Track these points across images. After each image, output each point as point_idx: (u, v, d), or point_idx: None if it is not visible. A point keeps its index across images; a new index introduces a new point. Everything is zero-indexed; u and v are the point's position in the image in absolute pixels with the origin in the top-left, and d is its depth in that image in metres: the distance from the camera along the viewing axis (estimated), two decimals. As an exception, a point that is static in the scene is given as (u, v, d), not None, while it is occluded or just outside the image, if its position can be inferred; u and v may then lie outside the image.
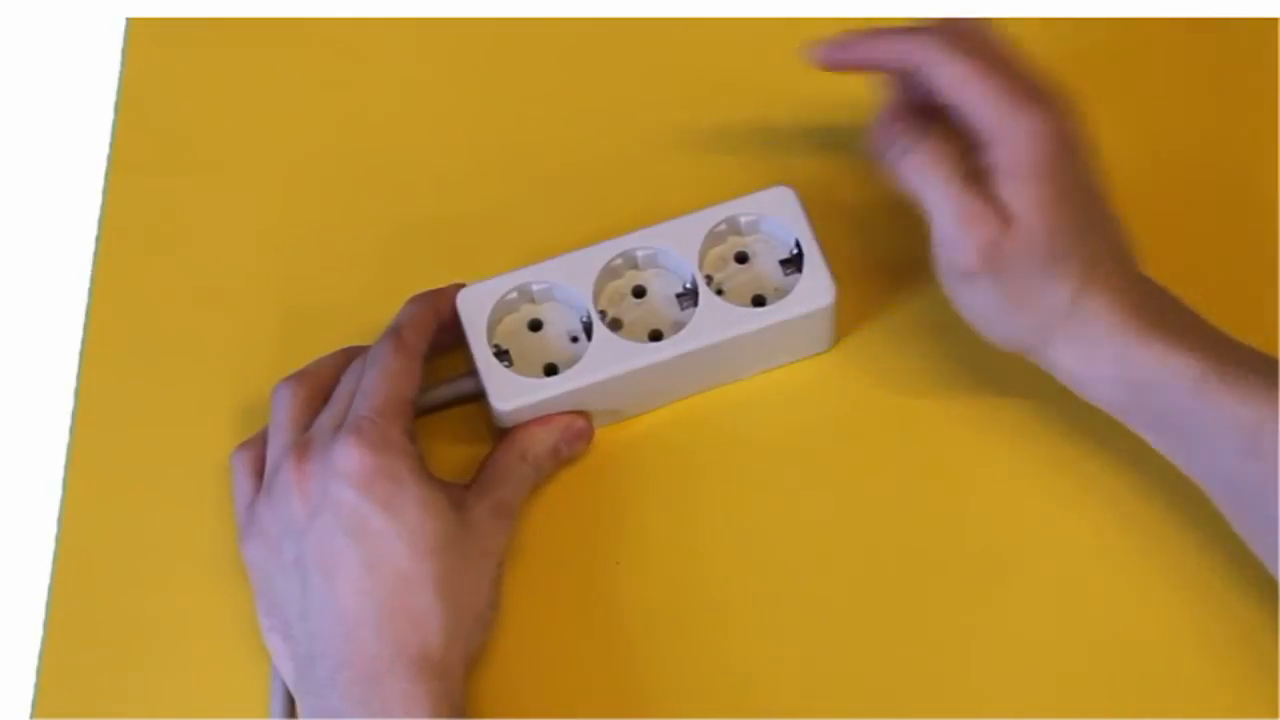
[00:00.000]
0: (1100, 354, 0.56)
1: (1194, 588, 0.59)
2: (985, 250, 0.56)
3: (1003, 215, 0.56)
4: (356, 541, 0.55)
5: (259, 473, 0.60)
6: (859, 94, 0.68)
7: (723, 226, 0.62)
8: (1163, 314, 0.56)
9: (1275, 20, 0.69)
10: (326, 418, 0.59)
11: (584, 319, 0.61)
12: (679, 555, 0.61)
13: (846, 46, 0.59)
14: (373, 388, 0.58)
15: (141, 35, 0.72)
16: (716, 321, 0.61)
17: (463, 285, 0.62)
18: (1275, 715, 0.57)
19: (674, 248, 0.62)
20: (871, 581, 0.61)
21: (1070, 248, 0.56)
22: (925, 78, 0.57)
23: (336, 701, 0.55)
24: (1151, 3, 0.69)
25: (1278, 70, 0.68)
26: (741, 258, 0.63)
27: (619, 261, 0.62)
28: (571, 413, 0.61)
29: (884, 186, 0.66)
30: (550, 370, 0.61)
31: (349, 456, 0.56)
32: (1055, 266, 0.56)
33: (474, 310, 0.61)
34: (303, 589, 0.56)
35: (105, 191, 0.69)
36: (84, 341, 0.66)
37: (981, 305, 0.58)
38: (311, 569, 0.56)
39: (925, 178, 0.57)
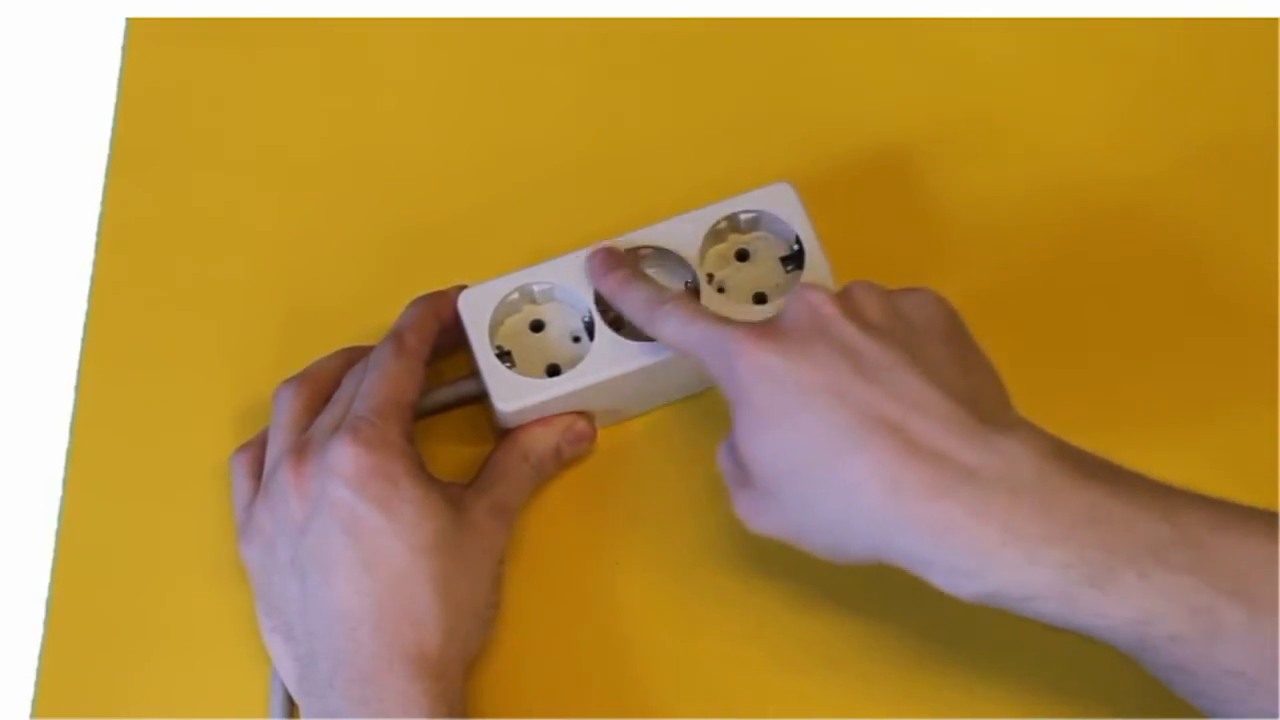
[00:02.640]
0: (936, 570, 0.50)
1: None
2: (747, 515, 0.54)
3: (744, 477, 0.53)
4: (354, 541, 0.55)
5: (258, 474, 0.60)
6: (859, 93, 0.68)
7: (723, 224, 0.62)
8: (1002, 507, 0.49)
9: (1275, 20, 0.69)
10: (326, 419, 0.59)
11: (586, 319, 0.61)
12: (678, 555, 0.61)
13: (608, 282, 0.59)
14: (372, 389, 0.58)
15: (141, 35, 0.72)
16: (718, 320, 0.61)
17: (464, 287, 0.62)
18: (1276, 716, 0.56)
19: (674, 246, 0.62)
20: (872, 580, 0.60)
21: (809, 459, 0.50)
22: (667, 344, 0.57)
23: (336, 702, 0.55)
24: (1152, 3, 0.69)
25: (1278, 70, 0.68)
26: (742, 255, 0.63)
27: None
28: (574, 413, 0.61)
29: (884, 182, 0.66)
30: (552, 371, 0.61)
31: (346, 456, 0.56)
32: (806, 486, 0.51)
33: (476, 312, 0.61)
34: (301, 589, 0.56)
35: (105, 191, 0.69)
36: (84, 341, 0.66)
37: (793, 541, 0.53)
38: (310, 569, 0.56)
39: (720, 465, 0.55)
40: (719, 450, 0.55)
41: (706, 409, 0.63)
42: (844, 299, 0.53)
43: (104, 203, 0.69)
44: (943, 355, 0.52)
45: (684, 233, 0.62)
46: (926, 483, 0.49)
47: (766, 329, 0.53)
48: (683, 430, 0.63)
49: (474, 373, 0.61)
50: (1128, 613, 0.48)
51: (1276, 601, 0.47)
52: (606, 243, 0.61)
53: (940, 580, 0.50)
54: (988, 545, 0.48)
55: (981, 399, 0.51)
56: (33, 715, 0.61)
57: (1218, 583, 0.47)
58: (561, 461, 0.62)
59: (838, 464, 0.50)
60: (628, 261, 0.60)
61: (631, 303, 0.58)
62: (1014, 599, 0.49)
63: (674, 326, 0.56)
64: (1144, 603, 0.48)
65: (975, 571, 0.49)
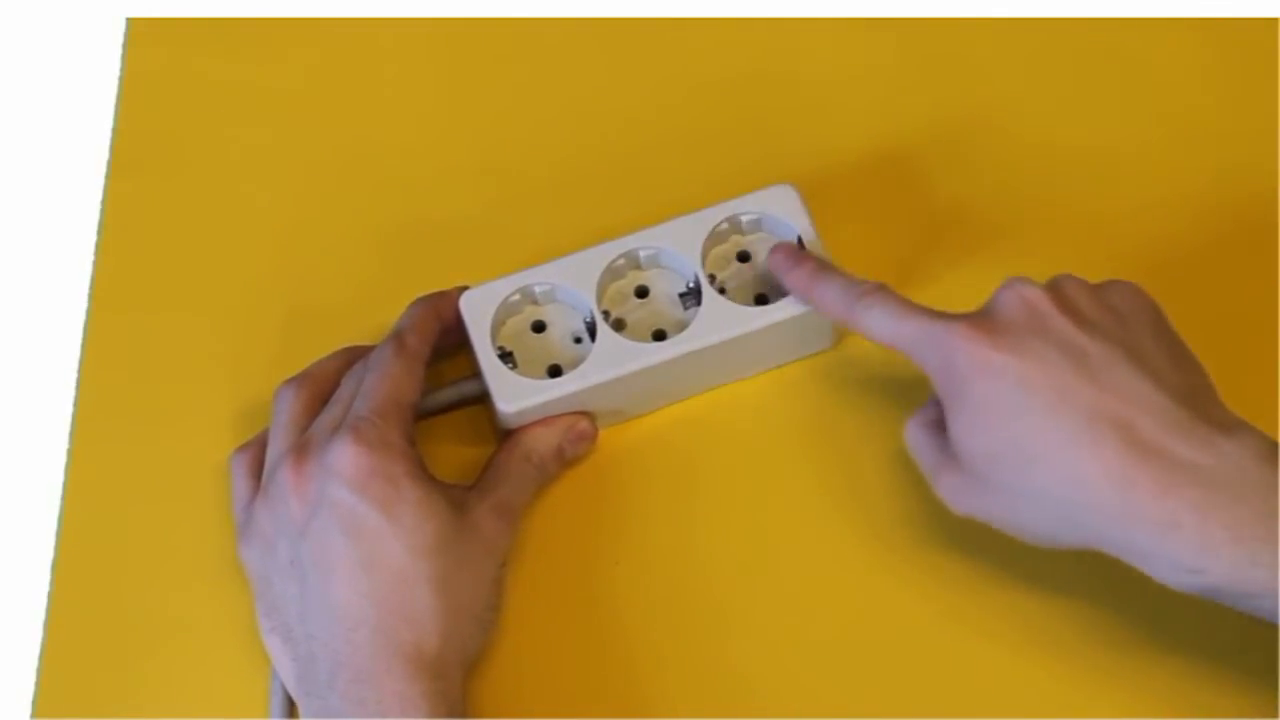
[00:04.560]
0: (1157, 562, 0.51)
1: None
2: (954, 497, 0.55)
3: (954, 459, 0.54)
4: (353, 541, 0.55)
5: (257, 474, 0.60)
6: (859, 93, 0.68)
7: (725, 225, 0.62)
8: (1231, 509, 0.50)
9: (1275, 20, 0.69)
10: (325, 419, 0.59)
11: (587, 320, 0.61)
12: (679, 556, 0.61)
13: (803, 289, 0.60)
14: (372, 389, 0.58)
15: (141, 35, 0.72)
16: (720, 321, 0.60)
17: (466, 288, 0.62)
18: (1275, 716, 0.56)
19: (676, 247, 0.62)
20: (874, 580, 0.61)
21: (1034, 453, 0.51)
22: (871, 338, 0.57)
23: (336, 702, 0.55)
24: (1152, 3, 0.69)
25: (1278, 70, 0.68)
26: (744, 256, 0.63)
27: (621, 262, 0.62)
28: (576, 414, 0.61)
29: (885, 183, 0.66)
30: (554, 371, 0.61)
31: (345, 457, 0.56)
32: (1029, 478, 0.52)
33: (477, 312, 0.61)
34: (301, 590, 0.56)
35: (105, 191, 0.69)
36: (84, 341, 0.66)
37: (1002, 525, 0.54)
38: (309, 569, 0.56)
39: (908, 441, 0.57)
40: (909, 430, 0.56)
41: (709, 408, 0.63)
42: (1056, 293, 0.54)
43: (104, 203, 0.69)
44: (1155, 350, 0.53)
45: (686, 234, 0.62)
46: (1154, 480, 0.50)
47: (984, 324, 0.53)
48: (684, 430, 0.63)
49: (475, 373, 0.61)
50: None
51: None
52: (622, 238, 0.61)
53: (1159, 572, 0.51)
54: (1211, 544, 0.49)
55: (1196, 395, 0.52)
56: (33, 715, 0.60)
57: None
58: (564, 462, 0.62)
59: (1065, 460, 0.51)
60: (808, 254, 0.60)
61: (827, 296, 0.58)
62: (1232, 595, 0.50)
63: (880, 320, 0.56)
64: None
65: (1197, 568, 0.50)
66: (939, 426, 0.55)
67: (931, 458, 0.56)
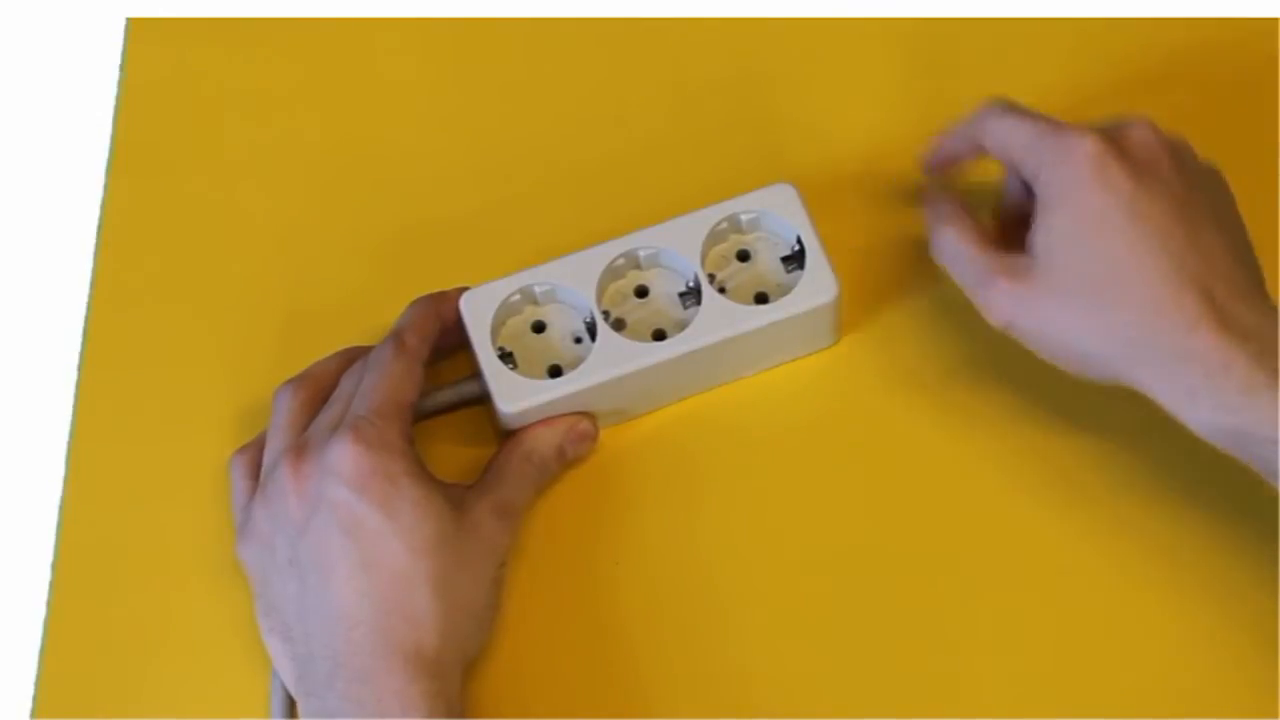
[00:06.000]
0: (1200, 399, 0.54)
1: (1192, 586, 0.59)
2: (1005, 305, 0.57)
3: (1015, 267, 0.57)
4: (352, 541, 0.55)
5: (256, 475, 0.60)
6: (859, 93, 0.68)
7: (724, 224, 0.62)
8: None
9: (1275, 20, 0.69)
10: (324, 419, 0.59)
11: (587, 320, 0.61)
12: (679, 555, 0.61)
13: (937, 153, 0.63)
14: (371, 389, 0.58)
15: (141, 35, 0.72)
16: (720, 320, 0.61)
17: (465, 288, 0.62)
18: (1275, 716, 0.57)
19: (676, 247, 0.62)
20: (875, 579, 0.61)
21: (1121, 276, 0.55)
22: (987, 149, 0.60)
23: (335, 702, 0.55)
24: (1152, 3, 0.69)
25: (1278, 70, 0.68)
26: (743, 255, 0.63)
27: (621, 261, 0.62)
28: (577, 414, 0.61)
29: (884, 182, 0.66)
30: (554, 371, 0.61)
31: (345, 456, 0.56)
32: (1106, 296, 0.55)
33: (477, 313, 0.61)
34: (300, 589, 0.56)
35: (105, 191, 0.69)
36: (84, 341, 0.66)
37: (1042, 340, 0.57)
38: (308, 569, 0.56)
39: (946, 253, 0.59)
40: (944, 243, 0.59)
41: (710, 407, 0.63)
42: (1169, 147, 0.58)
43: (104, 203, 0.69)
44: (1233, 223, 0.58)
45: (685, 233, 0.62)
46: (1218, 331, 0.54)
47: (1113, 145, 0.56)
48: (684, 430, 0.63)
49: (476, 374, 0.61)
50: None
51: None
52: (621, 238, 0.62)
53: (1198, 411, 0.54)
54: (1256, 386, 0.53)
55: (1255, 269, 0.57)
56: (33, 715, 0.60)
57: None
58: (565, 462, 0.62)
59: (1150, 291, 0.55)
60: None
61: (946, 138, 0.63)
62: (1257, 440, 0.53)
63: (1000, 124, 0.59)
64: None
65: (1238, 407, 0.53)
66: (985, 241, 0.58)
67: (980, 266, 0.58)
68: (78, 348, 0.66)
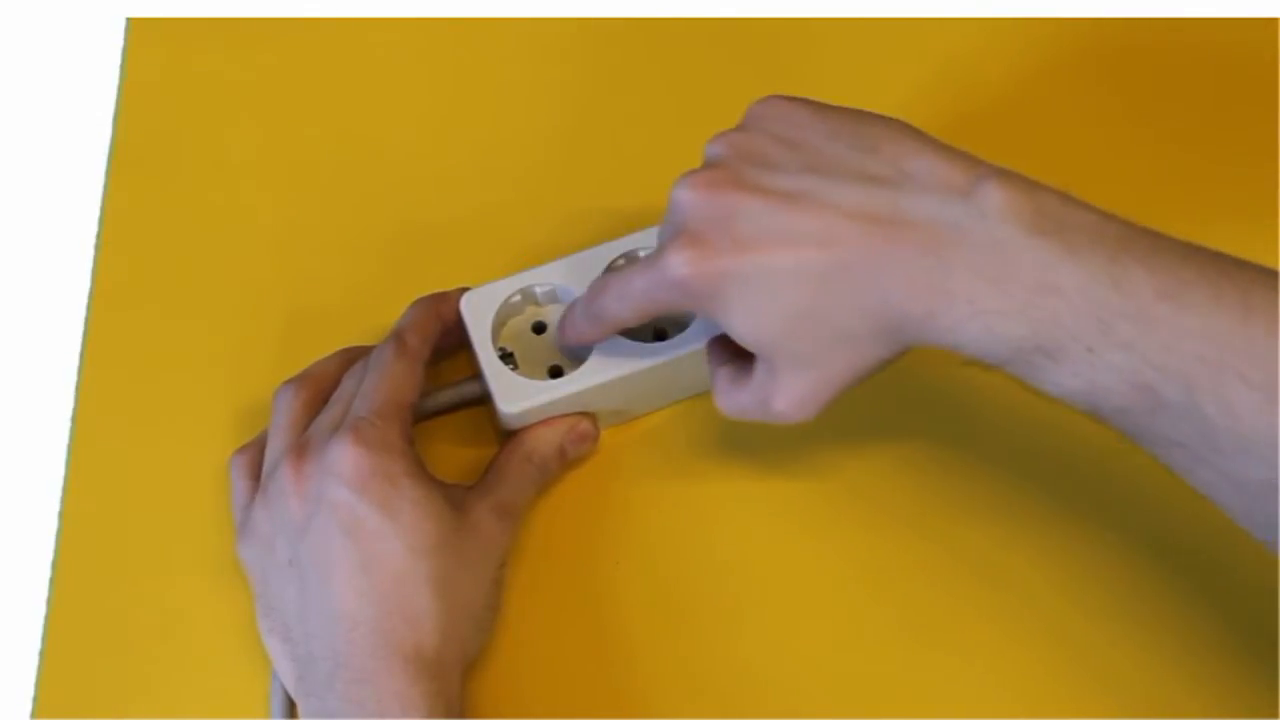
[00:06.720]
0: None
1: (1192, 587, 0.59)
2: (792, 413, 0.55)
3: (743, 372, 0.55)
4: (353, 541, 0.55)
5: (256, 475, 0.60)
6: (859, 92, 0.68)
7: (724, 226, 0.62)
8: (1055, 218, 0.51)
9: (1275, 20, 0.69)
10: (325, 420, 0.59)
11: (586, 319, 0.61)
12: (679, 555, 0.61)
13: (574, 343, 0.60)
14: (372, 390, 0.58)
15: (141, 35, 0.72)
16: (719, 321, 0.61)
17: (466, 288, 0.62)
18: (1275, 716, 0.57)
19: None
20: (875, 579, 0.61)
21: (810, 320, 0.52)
22: (629, 323, 0.58)
23: (335, 702, 0.55)
24: (1152, 3, 0.69)
25: (1278, 70, 0.68)
26: (743, 256, 0.63)
27: (621, 262, 0.62)
28: (577, 414, 0.61)
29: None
30: (555, 372, 0.61)
31: (345, 457, 0.56)
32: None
33: (478, 313, 0.61)
34: (300, 590, 0.56)
35: (105, 191, 0.69)
36: (84, 341, 0.66)
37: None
38: (308, 569, 0.56)
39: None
40: (721, 400, 0.56)
41: (708, 409, 0.63)
42: (725, 171, 0.54)
43: (104, 203, 0.69)
44: (835, 148, 0.54)
45: (685, 233, 0.62)
46: (914, 261, 0.50)
47: (691, 239, 0.53)
48: (684, 430, 0.63)
49: (476, 374, 0.61)
50: (1079, 385, 0.49)
51: (1207, 376, 0.47)
52: (622, 238, 0.61)
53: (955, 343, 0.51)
54: (958, 319, 0.50)
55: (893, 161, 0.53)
56: (33, 715, 0.60)
57: (1157, 359, 0.48)
58: (565, 462, 0.62)
59: (840, 306, 0.52)
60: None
61: (567, 327, 0.59)
62: (990, 366, 0.51)
63: (614, 301, 0.56)
64: (1092, 376, 0.49)
65: (957, 345, 0.50)
66: (737, 376, 0.56)
67: (748, 397, 0.55)
68: (78, 348, 0.66)
